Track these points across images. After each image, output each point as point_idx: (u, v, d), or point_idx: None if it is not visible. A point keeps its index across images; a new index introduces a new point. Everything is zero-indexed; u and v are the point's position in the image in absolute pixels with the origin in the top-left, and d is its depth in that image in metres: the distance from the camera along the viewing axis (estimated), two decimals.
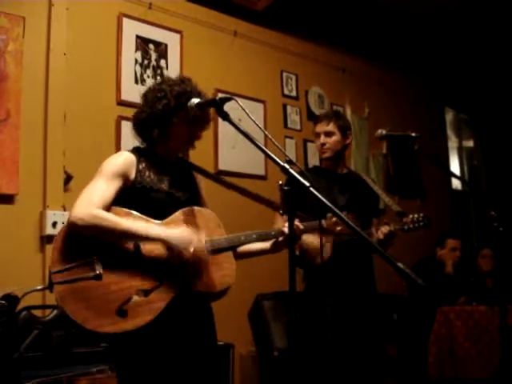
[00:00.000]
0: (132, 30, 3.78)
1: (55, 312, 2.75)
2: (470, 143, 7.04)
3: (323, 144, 2.89)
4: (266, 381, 3.68)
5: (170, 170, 2.00)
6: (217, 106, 1.76)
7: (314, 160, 4.66)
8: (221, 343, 3.30)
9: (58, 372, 2.49)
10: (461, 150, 6.89)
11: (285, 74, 4.75)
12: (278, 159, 1.60)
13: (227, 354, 3.37)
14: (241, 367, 3.88)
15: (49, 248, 3.03)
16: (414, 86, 5.89)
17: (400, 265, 1.34)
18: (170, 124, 1.94)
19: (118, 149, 3.46)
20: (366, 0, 4.90)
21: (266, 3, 4.45)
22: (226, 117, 1.74)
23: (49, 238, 3.09)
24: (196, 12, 4.16)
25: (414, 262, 4.35)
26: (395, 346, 4.09)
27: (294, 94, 4.80)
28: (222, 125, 3.91)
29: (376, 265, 2.90)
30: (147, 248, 1.82)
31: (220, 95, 3.10)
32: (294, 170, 1.58)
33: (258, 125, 1.65)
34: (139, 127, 2.00)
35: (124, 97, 3.63)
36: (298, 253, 2.70)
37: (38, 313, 2.85)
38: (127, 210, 1.85)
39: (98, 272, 1.73)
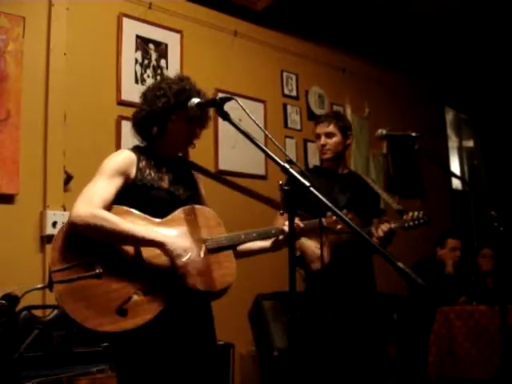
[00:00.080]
0: (132, 29, 3.78)
1: (55, 312, 2.75)
2: (470, 143, 7.04)
3: (324, 145, 2.89)
4: (265, 381, 3.68)
5: (170, 169, 2.00)
6: (217, 105, 1.76)
7: (314, 160, 4.66)
8: (221, 343, 3.30)
9: (58, 372, 2.49)
10: (461, 150, 6.90)
11: (285, 74, 4.75)
12: (278, 159, 1.60)
13: (227, 354, 3.36)
14: (241, 367, 3.88)
15: (49, 248, 3.03)
16: (414, 86, 5.89)
17: (400, 264, 1.34)
18: (169, 122, 1.95)
19: (118, 149, 3.46)
20: (366, 0, 4.89)
21: (266, 3, 4.45)
22: (226, 117, 1.74)
23: (49, 238, 3.09)
24: (196, 12, 4.16)
25: (414, 262, 4.35)
26: (395, 346, 4.09)
27: (294, 93, 4.80)
28: (222, 124, 3.91)
29: (376, 264, 2.90)
30: (147, 251, 1.82)
31: (220, 95, 3.09)
32: (295, 170, 1.58)
33: (258, 124, 1.65)
34: (138, 125, 2.01)
35: (124, 97, 3.63)
36: (298, 253, 2.70)
37: (38, 313, 2.85)
38: (127, 209, 1.85)
39: (97, 271, 1.73)
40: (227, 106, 1.75)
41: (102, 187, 1.82)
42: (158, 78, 3.76)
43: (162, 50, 3.93)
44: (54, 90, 3.32)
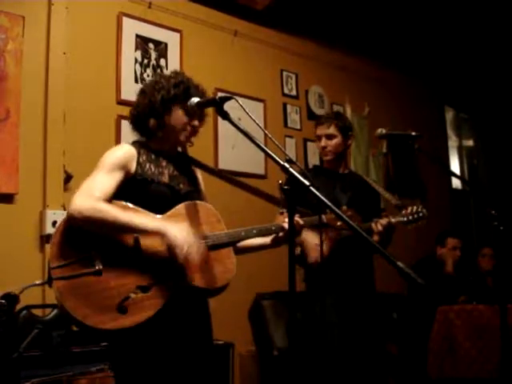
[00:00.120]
0: (132, 29, 3.78)
1: (55, 311, 2.75)
2: (469, 142, 7.04)
3: (324, 147, 2.89)
4: (265, 380, 3.68)
5: (171, 164, 2.00)
6: (217, 105, 1.76)
7: (314, 159, 4.66)
8: (221, 342, 3.31)
9: (58, 371, 2.49)
10: (461, 149, 6.89)
11: (285, 73, 4.75)
12: (278, 158, 1.60)
13: (227, 354, 3.36)
14: (241, 367, 3.88)
15: (49, 247, 3.03)
16: (413, 86, 5.89)
17: (400, 264, 1.34)
18: (168, 113, 1.94)
19: None
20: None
21: (266, 2, 4.44)
22: (226, 116, 1.74)
23: (49, 238, 3.09)
24: (196, 11, 4.16)
25: (414, 261, 4.35)
26: (395, 345, 4.09)
27: (294, 93, 4.80)
28: (222, 124, 3.91)
29: (376, 264, 2.90)
30: (147, 242, 1.81)
31: (220, 94, 3.10)
32: (294, 170, 1.58)
33: (257, 124, 1.65)
34: (137, 120, 2.00)
35: (124, 96, 3.63)
36: (298, 252, 2.70)
37: (38, 312, 2.85)
38: (126, 204, 1.84)
39: (97, 267, 1.72)
40: (227, 106, 1.75)
41: (101, 181, 1.81)
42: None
43: (161, 49, 3.93)
44: (53, 90, 3.32)
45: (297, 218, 2.02)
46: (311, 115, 4.77)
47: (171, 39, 3.98)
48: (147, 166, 1.92)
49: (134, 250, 1.80)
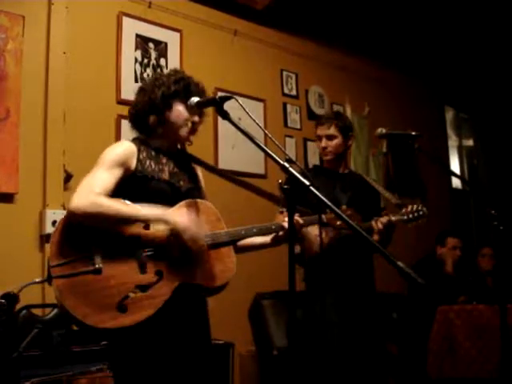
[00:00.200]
0: (132, 28, 3.78)
1: (55, 311, 2.75)
2: (469, 142, 7.04)
3: (325, 148, 2.89)
4: (265, 380, 3.68)
5: (171, 161, 1.99)
6: (217, 104, 1.76)
7: (313, 159, 4.66)
8: (221, 342, 3.31)
9: (58, 371, 2.49)
10: (461, 149, 6.89)
11: (285, 73, 4.75)
12: (278, 158, 1.60)
13: (227, 353, 3.36)
14: (240, 366, 3.88)
15: (48, 247, 3.03)
16: (413, 85, 5.89)
17: (400, 263, 1.34)
18: (168, 110, 1.95)
19: None
20: None
21: (266, 2, 4.44)
22: (225, 116, 1.74)
23: (48, 237, 3.07)
24: (196, 11, 4.16)
25: (414, 261, 4.35)
26: (395, 345, 4.09)
27: (293, 92, 4.80)
28: (222, 124, 3.91)
29: (376, 264, 2.90)
30: (148, 238, 1.81)
31: (220, 94, 3.10)
32: (294, 169, 1.58)
33: (257, 124, 1.65)
34: (137, 117, 2.00)
35: (124, 96, 3.63)
36: (298, 251, 2.70)
37: (37, 311, 2.85)
38: (125, 201, 1.83)
39: (97, 266, 1.72)
40: (227, 105, 1.75)
41: (101, 178, 1.81)
42: None
43: (161, 48, 3.93)
44: (53, 89, 3.32)
45: (296, 217, 2.02)
46: (311, 115, 4.77)
47: (171, 39, 3.98)
48: (147, 162, 1.91)
49: (135, 249, 1.79)
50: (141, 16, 3.84)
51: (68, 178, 3.28)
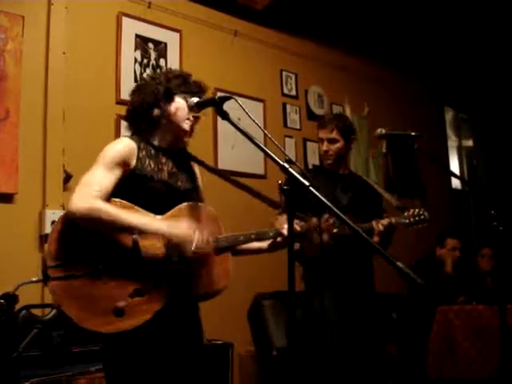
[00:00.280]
0: (131, 28, 3.78)
1: (54, 311, 2.74)
2: (469, 142, 7.04)
3: (326, 151, 2.88)
4: (265, 380, 3.68)
5: (170, 160, 1.98)
6: (216, 105, 1.75)
7: (313, 159, 4.66)
8: (220, 342, 3.31)
9: (57, 371, 2.49)
10: (460, 150, 6.90)
11: (284, 73, 4.75)
12: (277, 158, 1.60)
13: (226, 354, 3.36)
14: (240, 367, 3.88)
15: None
16: (413, 86, 5.89)
17: (399, 264, 1.33)
18: (170, 103, 1.94)
19: None
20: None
21: (266, 2, 4.44)
22: (225, 116, 1.73)
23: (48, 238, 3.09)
24: (196, 11, 4.15)
25: (414, 262, 4.35)
26: (395, 345, 4.09)
27: (293, 93, 4.80)
28: (222, 124, 3.90)
29: (376, 264, 2.90)
30: (146, 244, 1.79)
31: (219, 94, 3.10)
32: (294, 170, 1.58)
33: (257, 124, 1.64)
34: (135, 115, 1.97)
35: (123, 96, 3.62)
36: (297, 247, 2.69)
37: (37, 312, 2.84)
38: (126, 203, 1.82)
39: (95, 269, 1.71)
40: (226, 106, 1.74)
41: (101, 177, 1.79)
42: None
43: (161, 49, 3.93)
44: (53, 89, 3.32)
45: (295, 224, 2.01)
46: (311, 115, 4.77)
47: (171, 39, 3.98)
48: (147, 161, 1.89)
49: (133, 251, 1.77)
50: (140, 16, 3.84)
51: (68, 178, 3.28)
